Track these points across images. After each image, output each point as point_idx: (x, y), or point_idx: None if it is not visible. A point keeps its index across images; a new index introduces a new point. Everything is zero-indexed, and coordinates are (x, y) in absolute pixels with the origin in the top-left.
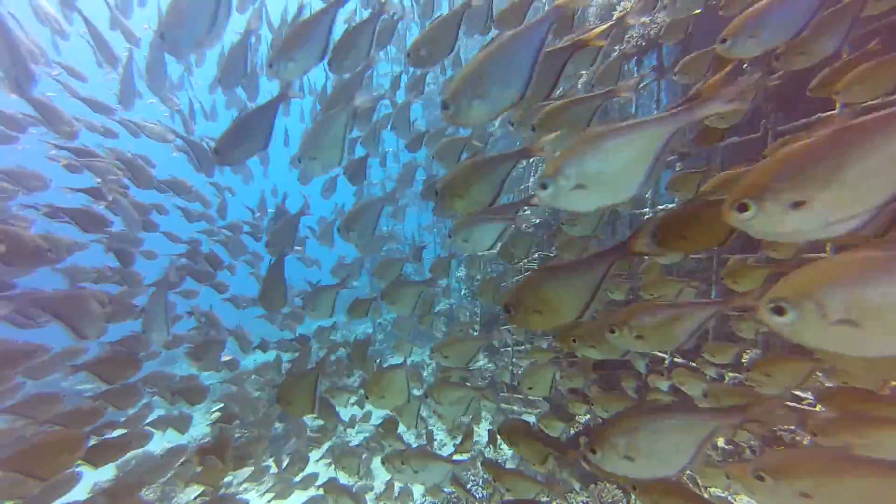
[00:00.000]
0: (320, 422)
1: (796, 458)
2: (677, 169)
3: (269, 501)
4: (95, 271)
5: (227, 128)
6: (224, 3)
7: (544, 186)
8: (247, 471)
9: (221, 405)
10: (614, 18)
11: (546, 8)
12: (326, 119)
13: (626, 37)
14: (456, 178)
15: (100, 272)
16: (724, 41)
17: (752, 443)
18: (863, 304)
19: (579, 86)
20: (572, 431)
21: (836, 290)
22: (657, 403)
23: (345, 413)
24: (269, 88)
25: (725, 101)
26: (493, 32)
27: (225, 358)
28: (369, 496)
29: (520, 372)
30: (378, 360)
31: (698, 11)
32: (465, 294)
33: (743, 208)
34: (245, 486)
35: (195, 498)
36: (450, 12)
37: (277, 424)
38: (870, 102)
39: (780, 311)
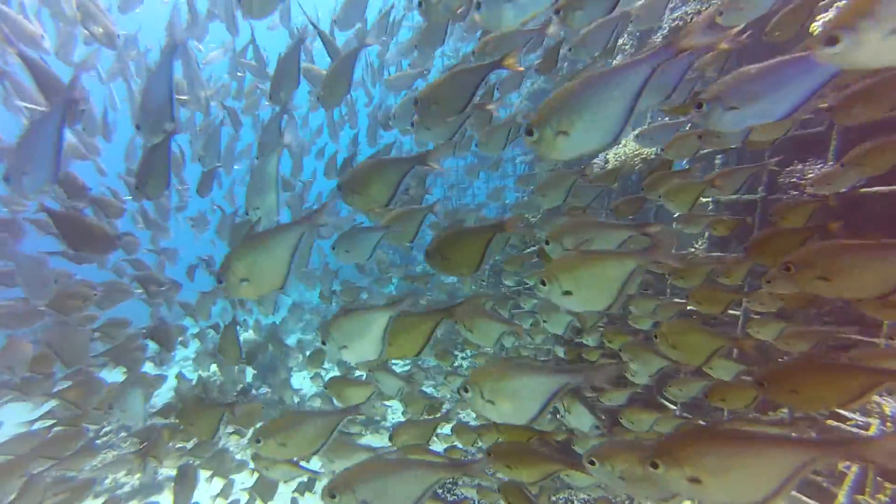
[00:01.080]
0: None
1: (617, 446)
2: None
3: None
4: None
5: (139, 163)
6: (61, 154)
7: (324, 343)
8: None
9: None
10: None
11: None
12: (257, 167)
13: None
14: (355, 176)
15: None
16: None
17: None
18: (497, 390)
19: None
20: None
21: (486, 382)
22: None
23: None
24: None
25: (396, 309)
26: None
27: None
28: None
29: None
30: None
31: None
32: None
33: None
34: None
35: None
36: (343, 56)
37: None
38: None
39: (465, 390)
